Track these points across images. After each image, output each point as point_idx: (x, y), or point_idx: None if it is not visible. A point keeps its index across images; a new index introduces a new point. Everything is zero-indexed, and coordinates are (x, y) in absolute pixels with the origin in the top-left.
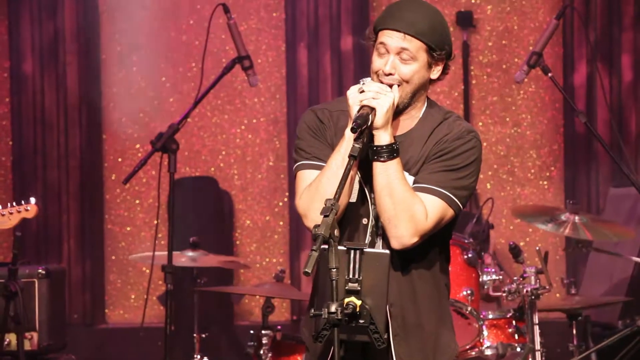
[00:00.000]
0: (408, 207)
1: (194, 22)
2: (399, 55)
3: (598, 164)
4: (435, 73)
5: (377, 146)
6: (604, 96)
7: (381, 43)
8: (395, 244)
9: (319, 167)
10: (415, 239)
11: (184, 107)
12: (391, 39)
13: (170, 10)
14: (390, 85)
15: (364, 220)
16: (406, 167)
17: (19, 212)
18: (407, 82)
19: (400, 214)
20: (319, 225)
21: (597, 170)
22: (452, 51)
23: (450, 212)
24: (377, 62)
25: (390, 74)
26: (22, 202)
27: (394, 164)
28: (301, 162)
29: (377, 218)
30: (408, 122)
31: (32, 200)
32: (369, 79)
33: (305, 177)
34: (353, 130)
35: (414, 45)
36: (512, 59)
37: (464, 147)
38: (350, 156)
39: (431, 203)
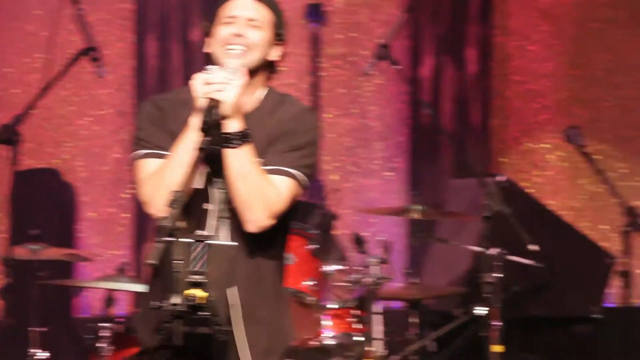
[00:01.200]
0: (262, 191)
1: (42, 12)
2: (248, 23)
3: (442, 155)
4: (274, 54)
5: (228, 134)
6: (449, 89)
7: (229, 16)
8: (252, 227)
9: (161, 156)
10: (271, 221)
11: (29, 98)
12: (240, 9)
13: (16, 0)
14: (237, 58)
15: (208, 205)
16: None
17: None
18: (255, 48)
19: (255, 198)
20: (164, 217)
21: (441, 161)
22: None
23: (299, 191)
24: (224, 30)
25: (239, 35)
26: None
27: (246, 150)
28: (142, 152)
29: (221, 202)
30: (249, 104)
31: None
32: (214, 67)
33: (147, 166)
34: (203, 129)
35: (263, 14)
36: (360, 52)
37: (306, 126)
38: (199, 148)
39: (283, 184)
